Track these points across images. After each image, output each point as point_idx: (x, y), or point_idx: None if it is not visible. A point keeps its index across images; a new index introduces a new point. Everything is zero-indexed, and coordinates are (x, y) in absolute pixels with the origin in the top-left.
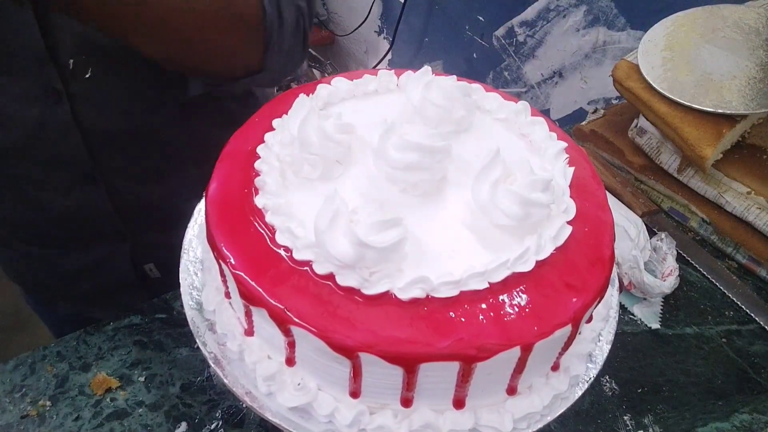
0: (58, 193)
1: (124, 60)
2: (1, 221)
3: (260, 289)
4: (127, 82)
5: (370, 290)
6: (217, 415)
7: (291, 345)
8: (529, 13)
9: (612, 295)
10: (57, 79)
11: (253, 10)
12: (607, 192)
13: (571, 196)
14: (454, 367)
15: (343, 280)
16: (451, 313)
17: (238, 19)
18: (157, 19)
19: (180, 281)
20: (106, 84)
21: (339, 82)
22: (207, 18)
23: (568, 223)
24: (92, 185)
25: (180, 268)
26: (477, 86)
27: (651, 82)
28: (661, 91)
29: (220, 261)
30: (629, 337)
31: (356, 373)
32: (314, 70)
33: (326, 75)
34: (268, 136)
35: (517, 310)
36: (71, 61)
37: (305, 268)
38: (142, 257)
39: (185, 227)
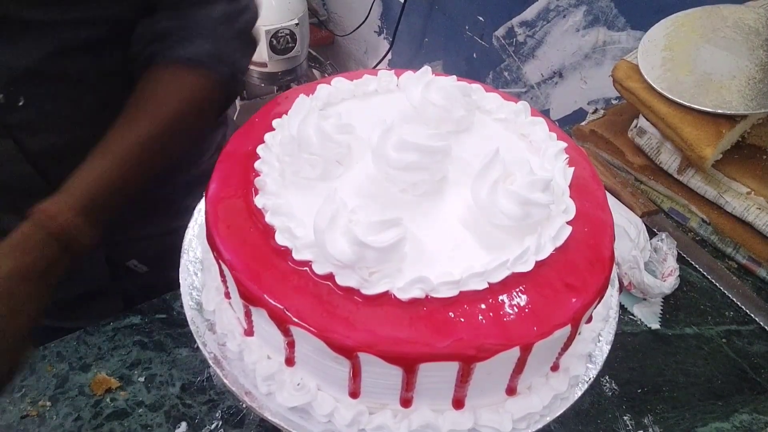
0: (16, 216)
1: (55, 81)
2: None
3: (260, 289)
4: (61, 99)
5: (369, 290)
6: (217, 415)
7: (290, 345)
8: (529, 13)
9: (612, 296)
10: None
11: (215, 103)
12: (607, 192)
13: (571, 196)
14: (454, 367)
15: (343, 280)
16: (450, 314)
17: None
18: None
19: (180, 281)
20: (41, 105)
21: (339, 82)
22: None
23: (568, 223)
24: None
25: (180, 268)
26: (477, 86)
27: (651, 82)
28: (661, 91)
29: (220, 261)
30: (629, 337)
31: (355, 373)
32: (314, 70)
33: (326, 75)
34: (268, 136)
35: (516, 310)
36: (1, 95)
37: (305, 268)
38: (122, 255)
39: (160, 214)
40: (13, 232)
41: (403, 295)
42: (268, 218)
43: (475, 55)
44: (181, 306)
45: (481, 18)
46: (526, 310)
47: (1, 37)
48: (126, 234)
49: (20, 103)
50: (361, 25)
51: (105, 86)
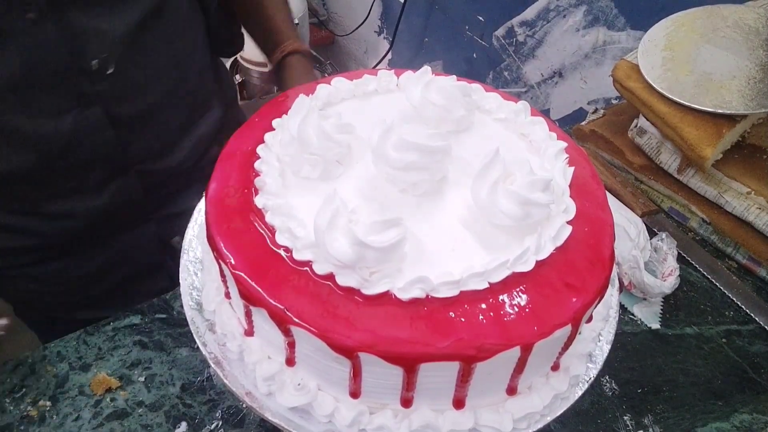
0: (89, 194)
1: (139, 48)
2: (21, 242)
3: (260, 289)
4: (145, 65)
5: (369, 290)
6: (217, 415)
7: (291, 345)
8: (529, 13)
9: (612, 295)
10: (86, 83)
11: None
12: (607, 192)
13: (571, 196)
14: (454, 367)
15: (343, 280)
16: (451, 313)
17: None
18: None
19: (180, 281)
20: (128, 73)
21: (339, 82)
22: None
23: (568, 223)
24: (124, 177)
25: (180, 268)
26: (477, 86)
27: (651, 82)
28: (661, 91)
29: (220, 261)
30: (629, 337)
31: (356, 373)
32: (314, 70)
33: (326, 75)
34: (268, 136)
35: (516, 310)
36: (94, 62)
37: (305, 268)
38: (167, 232)
39: (194, 186)
40: (293, 66)
41: (404, 295)
42: (268, 218)
43: (475, 55)
44: (181, 306)
45: (481, 18)
46: (527, 310)
47: (102, 4)
48: (174, 207)
49: (109, 72)
50: (361, 25)
51: (185, 50)
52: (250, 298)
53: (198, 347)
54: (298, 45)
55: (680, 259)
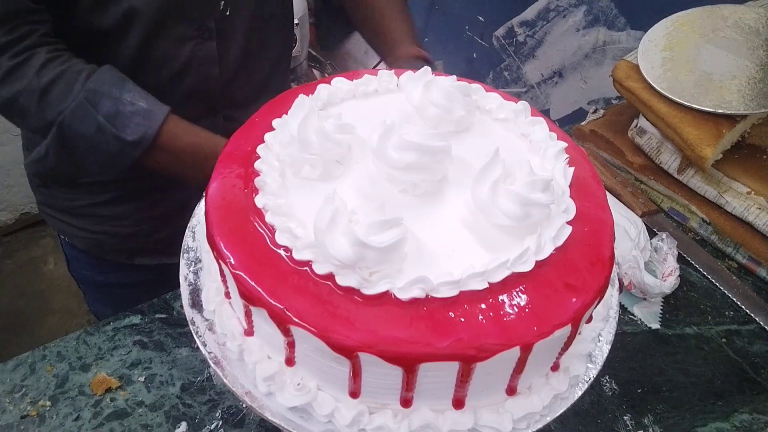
0: None
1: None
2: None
3: (260, 289)
4: (257, 19)
5: (369, 290)
6: (217, 415)
7: (291, 345)
8: (529, 13)
9: (612, 295)
10: (209, 18)
11: None
12: (607, 192)
13: (571, 196)
14: (454, 367)
15: (343, 280)
16: (450, 313)
17: None
18: None
19: (180, 281)
20: (242, 20)
21: (339, 82)
22: None
23: (568, 223)
24: (213, 117)
25: (180, 268)
26: (477, 86)
27: (651, 82)
28: (661, 91)
29: (220, 261)
30: (629, 337)
31: (356, 373)
32: (314, 70)
33: (326, 75)
34: (268, 136)
35: (516, 310)
36: (222, 2)
37: (305, 268)
38: None
39: None
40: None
41: (404, 295)
42: (268, 218)
43: (475, 55)
44: (181, 306)
45: (481, 18)
46: (527, 310)
47: None
48: None
49: (227, 13)
50: None
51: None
52: (250, 298)
53: (198, 347)
54: (407, 51)
55: (680, 259)
